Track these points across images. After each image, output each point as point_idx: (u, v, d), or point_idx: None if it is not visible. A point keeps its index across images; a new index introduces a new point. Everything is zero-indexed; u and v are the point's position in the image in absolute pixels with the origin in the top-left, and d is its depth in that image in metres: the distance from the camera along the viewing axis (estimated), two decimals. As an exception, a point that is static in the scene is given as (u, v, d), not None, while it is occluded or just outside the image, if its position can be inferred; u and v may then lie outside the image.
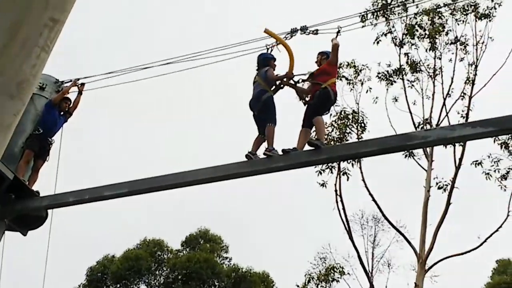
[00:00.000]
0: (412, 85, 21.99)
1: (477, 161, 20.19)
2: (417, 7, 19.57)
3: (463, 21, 21.55)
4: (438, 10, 21.06)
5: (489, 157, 20.26)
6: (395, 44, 21.96)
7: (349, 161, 20.09)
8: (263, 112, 9.25)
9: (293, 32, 9.90)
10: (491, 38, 21.14)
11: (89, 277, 31.70)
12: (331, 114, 20.73)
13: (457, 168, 20.24)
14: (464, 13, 21.39)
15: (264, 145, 9.08)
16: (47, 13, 3.39)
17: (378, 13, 21.09)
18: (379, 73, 22.10)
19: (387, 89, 22.00)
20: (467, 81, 21.22)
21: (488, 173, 20.07)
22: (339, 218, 20.95)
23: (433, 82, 21.70)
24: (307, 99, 9.48)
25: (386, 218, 21.57)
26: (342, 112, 21.44)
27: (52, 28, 3.43)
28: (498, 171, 20.19)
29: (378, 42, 21.70)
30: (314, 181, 20.89)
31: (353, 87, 22.03)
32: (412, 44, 21.95)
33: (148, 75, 11.02)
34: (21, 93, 3.29)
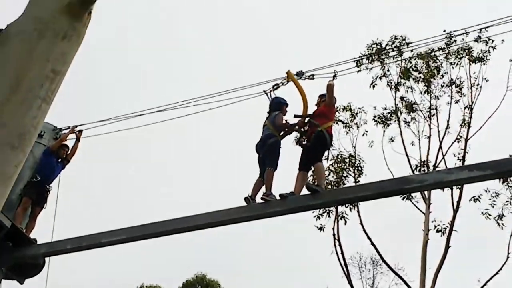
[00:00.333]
0: (409, 125, 22.11)
1: (474, 196, 20.14)
2: (411, 51, 19.85)
3: (457, 64, 21.83)
4: (432, 54, 21.37)
5: (486, 191, 20.22)
6: (390, 87, 22.19)
7: (346, 205, 20.07)
8: (267, 155, 9.28)
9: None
10: (486, 79, 21.39)
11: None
12: (327, 158, 20.76)
13: (455, 211, 20.20)
14: (459, 56, 21.68)
15: (263, 189, 9.09)
16: (49, 65, 3.46)
17: (373, 57, 21.37)
18: (375, 116, 22.26)
19: (383, 132, 22.14)
20: (463, 124, 21.38)
21: (486, 213, 20.01)
22: (337, 261, 20.85)
23: (429, 125, 21.85)
24: (304, 141, 9.53)
25: (384, 261, 21.43)
26: (339, 156, 21.51)
27: (53, 79, 3.50)
28: (494, 206, 20.10)
29: (373, 86, 21.95)
30: (312, 225, 20.83)
31: (349, 130, 22.16)
32: (408, 87, 22.18)
33: (143, 123, 11.11)
34: (22, 144, 3.33)
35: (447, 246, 19.83)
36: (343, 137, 21.92)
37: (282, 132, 9.57)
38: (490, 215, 19.96)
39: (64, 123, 11.69)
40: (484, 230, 20.87)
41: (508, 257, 19.61)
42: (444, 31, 16.88)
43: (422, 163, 21.33)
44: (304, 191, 8.76)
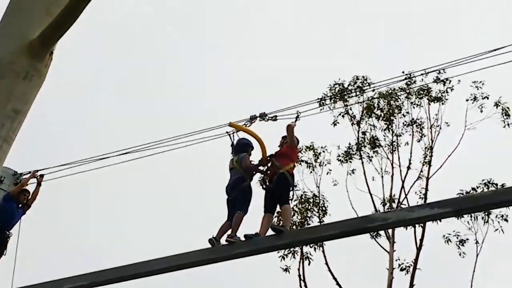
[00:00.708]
0: (371, 159, 22.37)
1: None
2: (373, 90, 20.24)
3: (417, 104, 22.34)
4: (393, 93, 21.82)
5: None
6: (353, 123, 22.55)
7: (311, 245, 20.08)
8: (239, 199, 9.21)
9: (252, 119, 9.96)
10: (447, 124, 21.95)
11: None
12: (292, 199, 20.78)
13: (418, 249, 20.39)
14: (419, 96, 22.20)
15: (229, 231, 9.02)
16: (10, 104, 3.43)
17: (336, 97, 21.80)
18: (339, 155, 22.53)
19: (347, 172, 22.36)
20: (424, 163, 21.77)
21: (448, 238, 20.28)
22: (303, 303, 20.69)
23: (392, 163, 22.16)
24: (266, 182, 9.51)
25: (350, 302, 21.38)
26: (303, 196, 21.60)
27: (14, 119, 3.47)
28: (458, 237, 20.37)
29: (335, 124, 22.27)
30: (277, 266, 20.73)
31: (313, 170, 22.33)
32: (370, 124, 22.58)
33: (106, 164, 11.01)
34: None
35: (411, 285, 19.90)
36: (307, 177, 22.08)
37: (252, 175, 9.55)
38: (450, 241, 20.23)
39: (25, 168, 11.52)
40: (447, 268, 21.07)
41: (471, 294, 19.76)
42: (403, 72, 17.26)
43: (386, 200, 21.54)
44: (269, 233, 8.75)
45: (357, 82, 22.23)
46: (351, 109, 22.44)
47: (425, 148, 21.87)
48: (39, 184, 11.19)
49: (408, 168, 21.79)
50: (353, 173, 22.26)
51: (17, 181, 11.38)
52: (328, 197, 21.94)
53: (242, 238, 8.66)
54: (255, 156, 9.70)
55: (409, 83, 20.56)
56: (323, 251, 20.76)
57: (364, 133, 22.51)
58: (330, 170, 22.37)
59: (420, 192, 21.49)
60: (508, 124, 21.30)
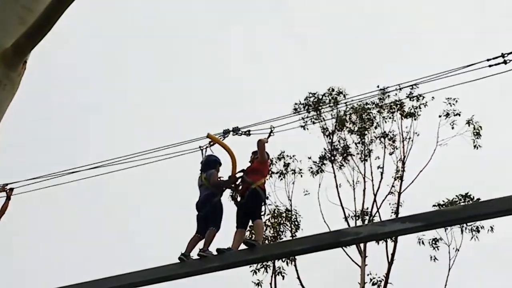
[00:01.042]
0: (342, 167, 22.50)
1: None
2: (345, 104, 20.47)
3: (390, 118, 22.59)
4: (366, 107, 22.02)
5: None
6: (324, 134, 22.72)
7: (284, 259, 20.07)
8: (210, 215, 9.16)
9: (225, 133, 9.94)
10: (417, 133, 22.21)
11: None
12: (264, 213, 20.78)
13: (390, 263, 20.52)
14: (391, 111, 22.45)
15: (199, 246, 8.98)
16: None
17: (309, 107, 22.00)
18: (310, 167, 22.65)
19: (319, 184, 22.48)
20: (396, 178, 21.97)
21: (421, 240, 20.52)
22: (275, 318, 20.64)
23: (364, 177, 22.32)
24: (238, 198, 9.48)
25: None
26: (275, 211, 21.62)
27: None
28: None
29: (305, 128, 22.00)
30: (249, 280, 20.67)
31: (284, 178, 22.37)
32: (342, 138, 22.77)
33: (77, 178, 10.86)
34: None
35: (383, 299, 20.02)
36: (278, 189, 22.12)
37: (222, 190, 9.52)
38: (423, 243, 20.44)
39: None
40: (419, 282, 21.23)
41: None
42: (378, 86, 17.41)
43: (359, 213, 21.68)
44: (242, 247, 8.73)
45: (332, 94, 22.49)
46: (323, 120, 22.56)
47: (397, 160, 22.10)
48: (8, 198, 11.00)
49: (380, 181, 22.00)
50: (322, 171, 22.44)
51: (-15, 195, 11.16)
52: (300, 208, 22.06)
53: (215, 253, 8.63)
54: (224, 172, 9.69)
55: (382, 98, 20.83)
56: (295, 266, 20.78)
57: (334, 143, 22.71)
58: (301, 174, 22.39)
59: (393, 206, 21.69)
60: (478, 146, 21.60)
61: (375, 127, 22.62)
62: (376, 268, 20.79)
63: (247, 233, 9.41)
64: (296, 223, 21.72)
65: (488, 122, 22.26)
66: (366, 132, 22.51)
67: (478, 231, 20.13)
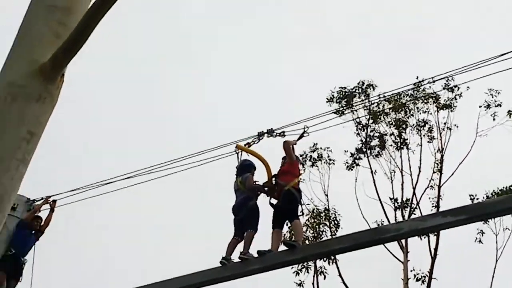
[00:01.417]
0: (379, 155, 22.29)
1: None
2: (378, 96, 20.35)
3: (425, 111, 22.32)
4: (400, 98, 21.78)
5: None
6: (358, 128, 22.58)
7: (325, 259, 20.01)
8: (247, 218, 9.23)
9: (260, 135, 9.95)
10: (456, 126, 21.89)
11: None
12: (302, 214, 20.82)
13: (433, 258, 20.27)
14: (426, 101, 22.15)
15: (239, 248, 9.03)
16: (24, 126, 3.51)
17: (342, 99, 21.98)
18: (346, 161, 22.57)
19: (355, 179, 22.37)
20: (435, 171, 21.69)
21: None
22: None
23: (401, 172, 22.08)
24: (273, 201, 9.48)
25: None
26: (314, 211, 21.56)
27: (29, 141, 3.54)
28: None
29: (343, 113, 21.72)
30: (292, 281, 20.67)
31: (318, 168, 22.33)
32: (376, 131, 22.61)
33: (113, 188, 11.00)
34: (1, 206, 3.32)
35: (428, 295, 19.80)
36: (314, 184, 22.03)
37: (258, 194, 9.55)
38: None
39: (38, 194, 11.56)
40: (464, 275, 20.94)
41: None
42: (417, 77, 17.21)
43: (400, 204, 21.48)
44: (282, 248, 8.75)
45: (362, 87, 22.36)
46: (356, 112, 22.34)
47: (436, 152, 21.78)
48: (52, 210, 11.23)
49: (419, 174, 21.73)
50: (358, 162, 22.34)
51: (30, 207, 11.41)
52: (336, 203, 21.93)
53: (255, 255, 8.66)
54: (259, 176, 9.72)
55: (417, 90, 20.61)
56: (336, 265, 20.69)
57: (369, 135, 22.56)
58: (334, 162, 22.32)
59: (434, 199, 21.42)
60: None
61: (410, 117, 22.32)
62: (419, 263, 20.58)
63: (287, 234, 9.39)
64: (336, 221, 21.61)
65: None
66: (403, 123, 22.17)
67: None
